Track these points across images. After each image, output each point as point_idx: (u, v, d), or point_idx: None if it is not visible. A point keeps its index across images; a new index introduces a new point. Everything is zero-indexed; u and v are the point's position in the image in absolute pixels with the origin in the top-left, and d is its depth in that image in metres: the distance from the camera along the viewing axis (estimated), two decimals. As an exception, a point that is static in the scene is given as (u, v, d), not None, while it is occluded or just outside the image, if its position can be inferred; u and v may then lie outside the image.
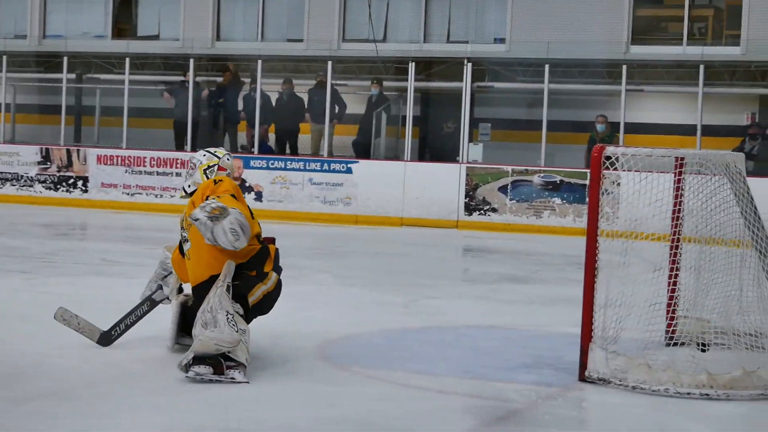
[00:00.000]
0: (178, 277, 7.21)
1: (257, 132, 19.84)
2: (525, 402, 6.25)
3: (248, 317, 6.72)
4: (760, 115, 19.01)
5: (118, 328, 7.39)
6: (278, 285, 6.93)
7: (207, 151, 7.28)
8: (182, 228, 6.99)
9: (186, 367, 6.34)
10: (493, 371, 7.00)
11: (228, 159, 7.22)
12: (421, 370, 6.93)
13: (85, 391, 6.09)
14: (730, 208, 7.30)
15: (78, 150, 20.20)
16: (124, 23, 24.09)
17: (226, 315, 6.46)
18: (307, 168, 18.80)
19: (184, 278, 7.12)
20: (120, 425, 5.47)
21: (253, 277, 6.82)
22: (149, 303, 7.46)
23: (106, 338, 7.32)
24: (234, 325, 6.47)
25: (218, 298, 6.52)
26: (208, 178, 7.05)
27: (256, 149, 19.74)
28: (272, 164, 19.08)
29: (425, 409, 6.05)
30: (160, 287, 7.33)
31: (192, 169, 7.19)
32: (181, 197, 7.27)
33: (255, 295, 6.80)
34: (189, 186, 7.14)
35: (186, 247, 6.93)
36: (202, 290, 6.76)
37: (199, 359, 6.33)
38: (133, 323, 7.37)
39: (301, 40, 22.30)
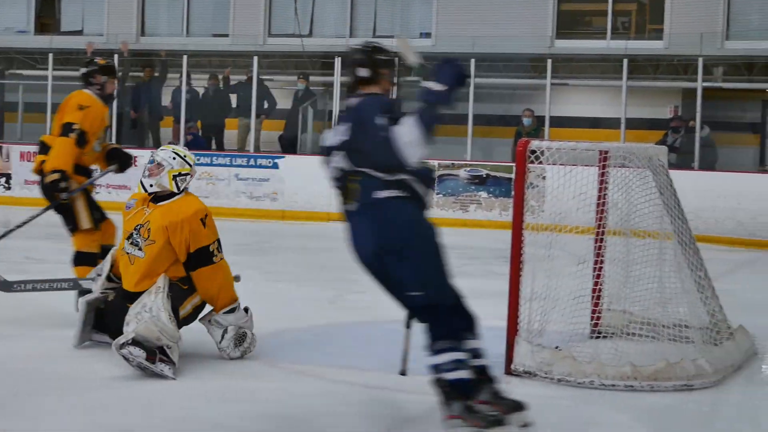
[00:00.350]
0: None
1: (182, 127, 19.71)
2: (451, 396, 6.24)
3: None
4: (682, 109, 19.20)
5: (24, 284, 7.31)
6: None
7: (176, 153, 6.90)
8: (137, 232, 6.80)
9: (122, 346, 6.27)
10: (420, 365, 6.97)
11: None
12: (347, 365, 6.92)
13: (8, 392, 5.99)
14: (653, 201, 7.35)
15: (1, 147, 19.92)
16: (47, 18, 23.81)
17: (169, 315, 6.47)
18: (233, 163, 18.68)
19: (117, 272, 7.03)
20: (47, 427, 5.40)
21: (185, 290, 6.80)
22: (72, 283, 7.41)
23: (5, 285, 7.25)
24: (175, 325, 6.50)
25: (161, 301, 6.51)
26: (177, 187, 6.85)
27: (181, 144, 19.60)
28: (198, 160, 18.81)
29: (352, 403, 6.04)
30: (93, 279, 7.23)
31: (158, 168, 6.82)
32: (139, 189, 6.94)
33: (185, 309, 6.80)
34: (151, 186, 6.82)
35: (135, 252, 6.80)
36: (130, 295, 6.77)
37: (136, 342, 6.26)
38: (42, 289, 7.28)
39: (226, 35, 22.18)
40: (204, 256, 6.78)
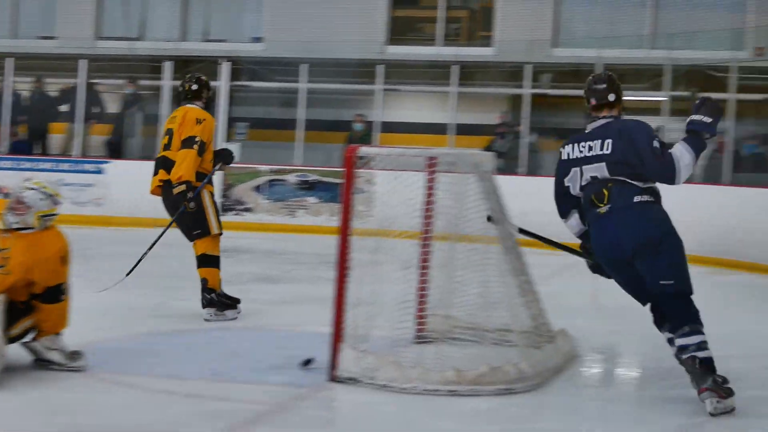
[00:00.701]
0: None
1: (6, 131, 19.27)
2: (274, 403, 6.21)
3: None
4: (511, 115, 19.45)
5: None
6: None
7: (43, 192, 6.73)
8: None
9: None
10: (243, 373, 6.92)
11: None
12: (169, 374, 6.80)
13: None
14: (479, 206, 7.39)
15: None
16: None
17: (2, 330, 6.34)
18: (58, 168, 18.28)
19: None
20: None
21: (21, 310, 6.62)
22: None
23: None
24: (5, 341, 6.40)
25: None
26: (44, 225, 6.66)
27: (4, 149, 19.17)
28: (21, 165, 18.48)
29: (173, 413, 5.95)
30: None
31: (24, 207, 6.62)
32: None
33: (16, 330, 6.63)
34: (16, 223, 6.61)
35: None
36: None
37: None
38: None
39: (54, 38, 21.72)
40: (56, 292, 6.71)
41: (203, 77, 9.39)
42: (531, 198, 15.58)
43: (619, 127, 6.56)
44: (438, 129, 19.02)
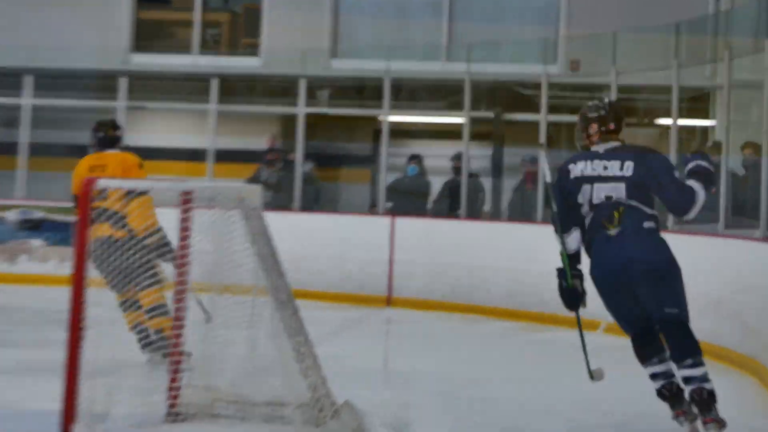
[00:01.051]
0: None
1: None
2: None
3: None
4: (282, 138, 19.44)
5: None
6: None
7: None
8: None
9: None
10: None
11: None
12: None
13: None
14: (245, 251, 7.31)
15: None
16: None
17: None
18: None
19: None
20: None
21: None
22: None
23: None
24: None
25: None
26: None
27: None
28: None
29: None
30: None
31: None
32: None
33: None
34: None
35: None
36: None
37: None
38: None
39: None
40: None
41: (118, 122, 10.89)
42: (308, 240, 15.67)
43: (638, 152, 7.73)
44: (194, 155, 18.91)
